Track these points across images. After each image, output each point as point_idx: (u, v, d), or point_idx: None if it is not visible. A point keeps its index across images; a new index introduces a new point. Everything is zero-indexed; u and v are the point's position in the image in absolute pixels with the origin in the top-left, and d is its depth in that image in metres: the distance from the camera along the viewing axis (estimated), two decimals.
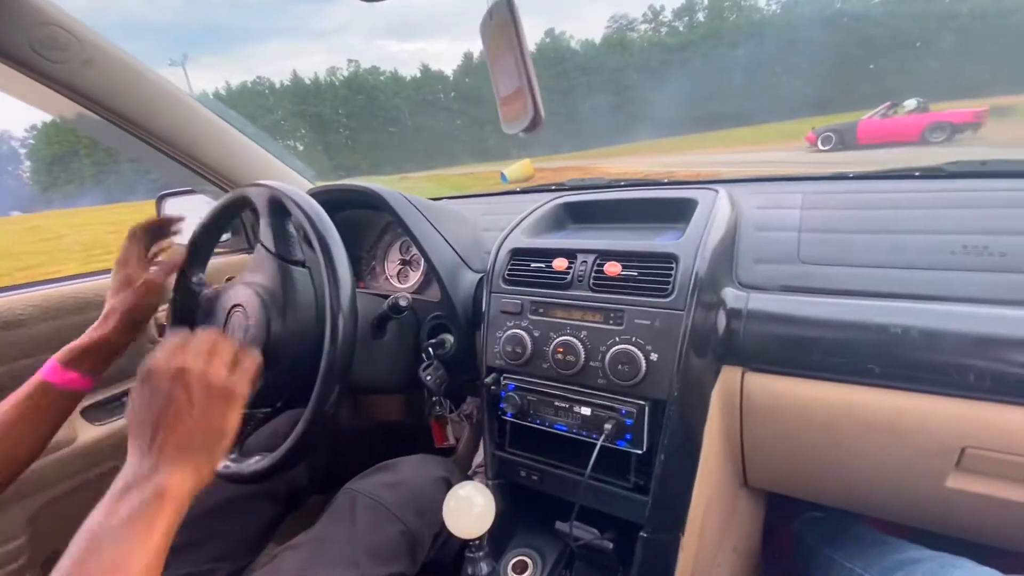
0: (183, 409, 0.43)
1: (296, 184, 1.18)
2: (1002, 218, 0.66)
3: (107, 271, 1.09)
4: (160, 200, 1.20)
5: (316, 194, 0.97)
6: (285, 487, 0.83)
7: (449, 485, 0.75)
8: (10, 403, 0.59)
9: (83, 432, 0.92)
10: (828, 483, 0.75)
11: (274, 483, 0.81)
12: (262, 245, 0.69)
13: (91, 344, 0.64)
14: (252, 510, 0.78)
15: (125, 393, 0.99)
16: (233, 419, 0.46)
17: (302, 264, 0.69)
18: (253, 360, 0.51)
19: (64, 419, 0.63)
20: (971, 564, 0.59)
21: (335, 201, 0.95)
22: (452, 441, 0.92)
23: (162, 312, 1.03)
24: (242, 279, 0.71)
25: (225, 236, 1.25)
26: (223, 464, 0.62)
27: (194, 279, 0.77)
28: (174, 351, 0.46)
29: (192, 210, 1.11)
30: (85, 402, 0.91)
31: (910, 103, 11.60)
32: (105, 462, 0.94)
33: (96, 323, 0.65)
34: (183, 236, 0.78)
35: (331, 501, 0.72)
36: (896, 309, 0.61)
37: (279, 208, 0.69)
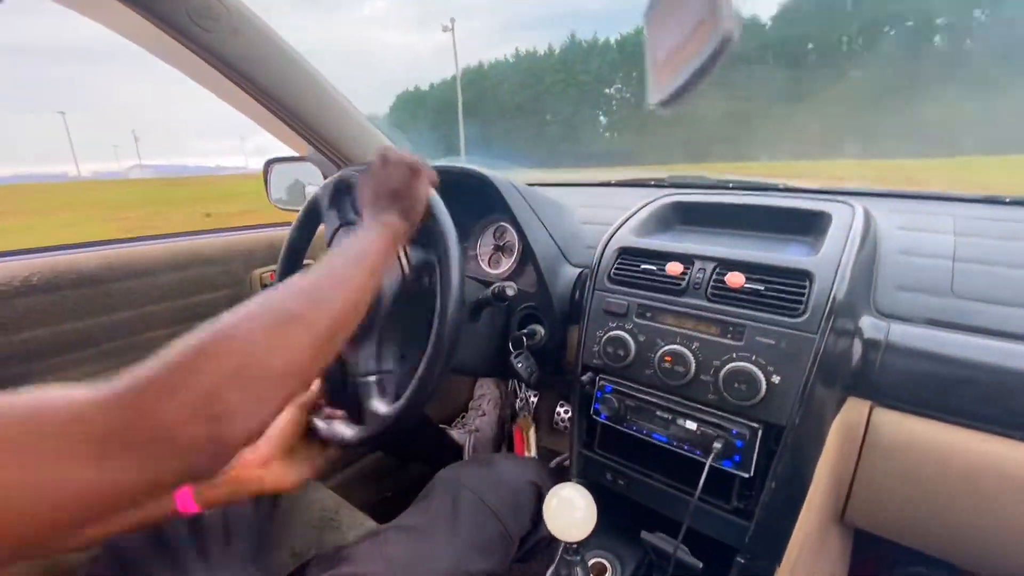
0: (408, 190, 0.58)
1: None
2: None
3: (224, 229, 1.16)
4: (268, 165, 1.25)
5: None
6: None
7: (538, 489, 0.75)
8: None
9: None
10: (951, 536, 0.69)
11: None
12: None
13: None
14: None
15: None
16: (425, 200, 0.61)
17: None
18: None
19: None
20: None
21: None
22: (533, 452, 0.91)
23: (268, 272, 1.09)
24: None
25: None
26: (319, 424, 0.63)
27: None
28: (401, 155, 0.60)
29: (299, 176, 1.15)
30: None
31: None
32: None
33: None
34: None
35: (429, 486, 0.73)
36: None
37: None
